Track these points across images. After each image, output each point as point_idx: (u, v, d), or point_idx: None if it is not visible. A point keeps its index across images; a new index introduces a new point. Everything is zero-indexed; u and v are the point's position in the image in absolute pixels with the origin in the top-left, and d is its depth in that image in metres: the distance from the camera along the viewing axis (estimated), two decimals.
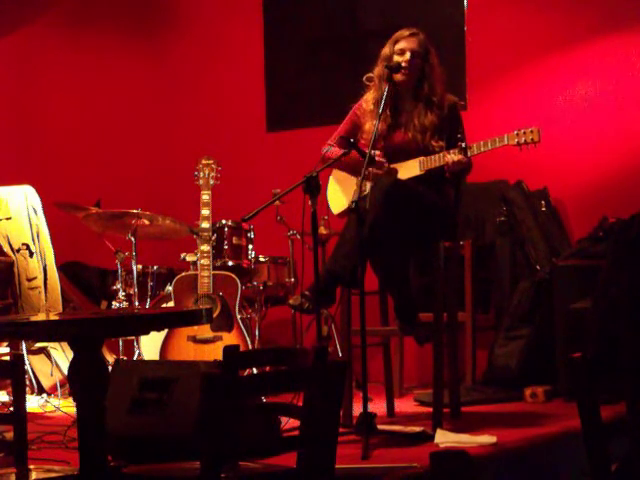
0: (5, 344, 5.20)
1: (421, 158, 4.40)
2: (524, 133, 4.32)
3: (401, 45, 4.46)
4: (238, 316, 5.34)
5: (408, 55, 4.45)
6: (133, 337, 5.57)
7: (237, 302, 5.34)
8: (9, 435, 3.70)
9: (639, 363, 2.86)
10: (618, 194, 5.75)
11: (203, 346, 5.27)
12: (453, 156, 4.31)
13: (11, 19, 7.76)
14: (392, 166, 4.45)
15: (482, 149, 4.35)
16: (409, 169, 4.42)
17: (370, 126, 4.40)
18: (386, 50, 4.50)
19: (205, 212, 5.41)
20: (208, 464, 2.46)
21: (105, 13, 7.56)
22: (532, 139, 4.31)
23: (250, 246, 5.83)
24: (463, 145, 4.33)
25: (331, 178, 4.71)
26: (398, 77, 4.45)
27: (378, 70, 4.52)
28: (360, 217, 3.98)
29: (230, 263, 5.73)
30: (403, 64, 4.44)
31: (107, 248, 5.83)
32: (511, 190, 5.95)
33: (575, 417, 2.71)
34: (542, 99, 6.03)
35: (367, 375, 3.97)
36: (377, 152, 4.39)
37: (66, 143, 7.56)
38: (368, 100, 4.54)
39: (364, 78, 4.61)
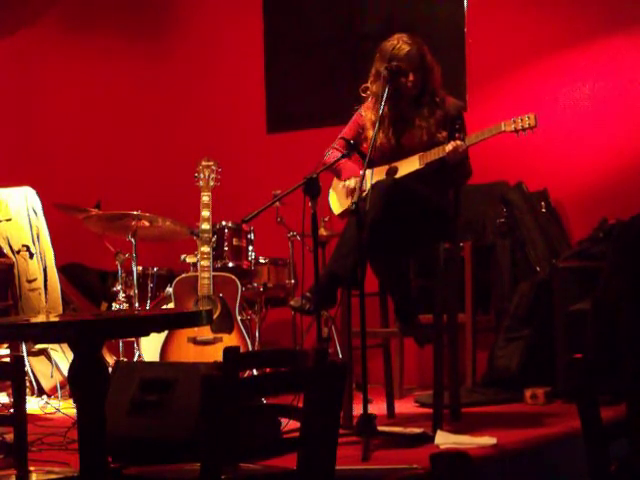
0: (5, 346, 5.20)
1: (421, 153, 4.41)
2: (521, 120, 4.33)
3: (402, 66, 4.41)
4: (238, 317, 5.34)
5: (411, 76, 4.43)
6: (133, 338, 5.57)
7: (237, 303, 5.34)
8: (9, 437, 3.71)
9: (639, 365, 2.87)
10: (618, 195, 5.75)
11: (203, 347, 5.27)
12: (451, 144, 4.31)
13: (11, 20, 7.76)
14: (392, 164, 4.46)
15: (480, 137, 4.37)
16: (409, 164, 4.43)
17: (371, 135, 4.38)
18: (381, 67, 4.41)
19: (205, 213, 5.41)
20: (208, 466, 2.46)
21: (105, 14, 7.56)
22: (529, 124, 4.31)
23: (250, 247, 5.83)
24: (462, 136, 4.35)
25: (334, 181, 4.71)
26: (400, 90, 4.44)
27: (374, 86, 4.50)
28: (360, 218, 3.98)
29: (230, 264, 5.73)
30: (409, 84, 4.43)
31: (107, 249, 5.83)
32: (511, 191, 5.95)
33: (575, 418, 2.72)
34: (542, 99, 6.03)
35: (367, 376, 3.97)
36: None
37: (66, 144, 7.56)
38: (368, 114, 4.54)
39: (360, 89, 4.61)
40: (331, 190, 4.69)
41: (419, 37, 4.52)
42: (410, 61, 4.41)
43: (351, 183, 4.42)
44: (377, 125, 4.27)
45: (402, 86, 4.43)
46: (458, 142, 4.32)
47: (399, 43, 4.43)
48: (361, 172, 4.14)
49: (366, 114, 4.56)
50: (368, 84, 4.56)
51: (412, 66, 4.41)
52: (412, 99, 4.49)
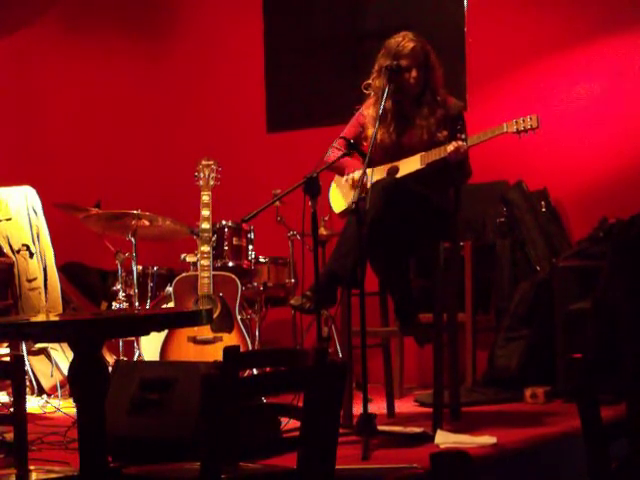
0: (5, 345, 5.20)
1: (422, 153, 4.41)
2: (523, 121, 4.32)
3: (406, 62, 4.42)
4: (238, 317, 5.34)
5: (415, 72, 4.44)
6: (133, 338, 5.57)
7: (237, 303, 5.34)
8: (9, 436, 3.71)
9: (639, 365, 2.87)
10: (618, 194, 5.76)
11: (203, 347, 5.27)
12: (452, 144, 4.31)
13: (11, 20, 7.76)
14: (393, 164, 4.46)
15: (482, 138, 4.37)
16: (410, 164, 4.43)
17: (372, 133, 4.39)
18: (385, 63, 4.42)
19: (205, 213, 5.41)
20: (208, 465, 2.46)
21: (105, 14, 7.57)
22: (531, 125, 4.31)
23: (250, 247, 5.83)
24: (463, 136, 4.35)
25: (335, 178, 4.71)
26: (402, 87, 4.45)
27: (377, 82, 4.50)
28: (360, 217, 3.98)
29: (230, 264, 5.73)
30: (412, 80, 4.43)
31: (107, 249, 5.83)
32: (511, 191, 5.95)
33: (575, 418, 2.72)
34: (542, 99, 6.03)
35: (367, 376, 3.97)
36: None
37: (66, 143, 7.57)
38: (369, 110, 4.54)
39: (362, 85, 4.61)
40: (331, 189, 4.69)
41: (424, 37, 4.53)
42: (414, 57, 4.41)
43: (355, 175, 4.42)
44: (377, 122, 4.28)
45: (404, 82, 4.43)
46: (460, 142, 4.32)
47: (404, 40, 4.44)
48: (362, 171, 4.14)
49: (367, 111, 4.56)
50: (370, 80, 4.56)
51: (415, 63, 4.42)
52: (413, 97, 4.49)
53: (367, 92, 4.60)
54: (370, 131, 4.45)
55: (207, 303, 5.28)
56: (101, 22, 7.58)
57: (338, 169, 4.55)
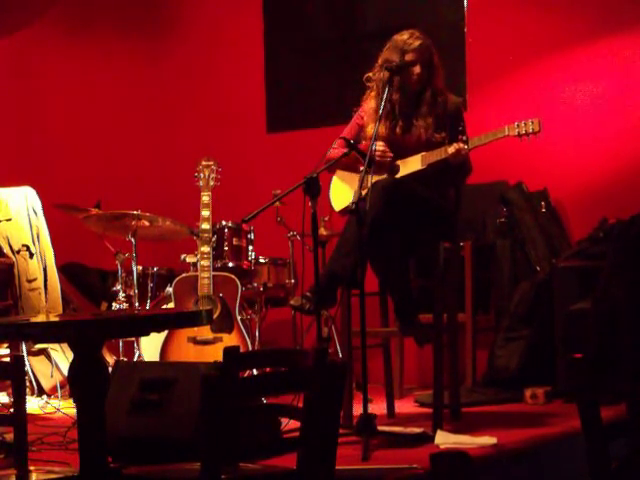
0: (5, 345, 5.20)
1: (423, 153, 4.42)
2: (524, 124, 4.34)
3: (411, 57, 4.44)
4: (238, 317, 5.34)
5: (418, 68, 4.45)
6: (133, 338, 5.57)
7: (237, 303, 5.34)
8: (9, 436, 3.71)
9: (639, 365, 2.87)
10: (618, 195, 5.75)
11: (203, 347, 5.27)
12: (454, 146, 4.32)
13: (11, 20, 7.76)
14: (394, 163, 4.46)
15: (483, 141, 4.37)
16: (411, 164, 4.43)
17: (372, 129, 4.40)
18: (391, 56, 4.46)
19: (205, 213, 5.41)
20: (208, 465, 2.46)
21: (106, 14, 7.56)
22: (533, 129, 4.33)
23: (250, 247, 5.83)
24: (464, 138, 4.36)
25: (335, 175, 4.71)
26: (404, 83, 4.46)
27: (380, 75, 4.50)
28: (360, 218, 3.98)
29: (230, 264, 5.73)
30: (414, 77, 4.44)
31: (107, 249, 5.83)
32: (511, 191, 5.96)
33: (575, 418, 2.72)
34: (542, 100, 6.03)
35: (367, 376, 3.97)
36: (379, 146, 4.39)
37: (66, 144, 7.56)
38: (370, 103, 4.55)
39: (364, 78, 4.62)
40: (332, 186, 4.69)
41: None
42: (420, 54, 4.43)
43: (379, 146, 4.41)
44: (378, 119, 4.28)
45: (407, 78, 4.44)
46: (461, 145, 4.32)
47: (412, 37, 4.46)
48: (361, 169, 4.14)
49: (367, 105, 4.56)
50: (372, 74, 4.56)
51: (420, 59, 4.44)
52: (414, 94, 4.49)
53: (369, 85, 4.60)
54: (370, 127, 4.46)
55: (207, 303, 5.28)
56: (101, 23, 7.57)
57: (351, 167, 4.53)
